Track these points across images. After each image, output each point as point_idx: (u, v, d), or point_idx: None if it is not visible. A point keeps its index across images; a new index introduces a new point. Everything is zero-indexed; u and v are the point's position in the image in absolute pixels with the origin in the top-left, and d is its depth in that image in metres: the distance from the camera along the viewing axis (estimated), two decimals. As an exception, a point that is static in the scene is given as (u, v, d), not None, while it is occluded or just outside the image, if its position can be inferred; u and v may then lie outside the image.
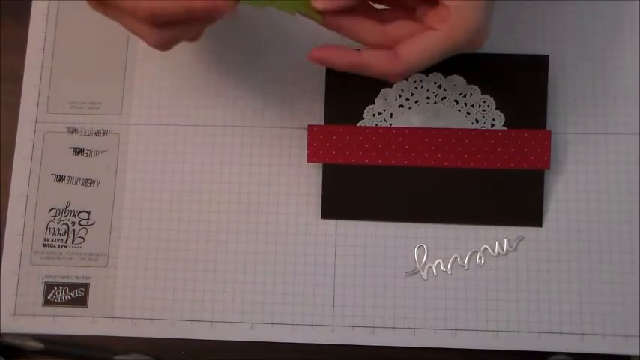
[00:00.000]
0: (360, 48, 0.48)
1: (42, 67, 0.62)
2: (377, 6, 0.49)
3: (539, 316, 0.56)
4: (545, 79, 0.58)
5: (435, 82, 0.59)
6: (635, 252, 0.57)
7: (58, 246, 0.59)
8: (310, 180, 0.59)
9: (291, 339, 0.57)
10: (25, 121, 0.61)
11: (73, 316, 0.58)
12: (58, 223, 0.59)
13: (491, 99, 0.58)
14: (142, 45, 0.62)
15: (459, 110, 0.58)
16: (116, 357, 0.57)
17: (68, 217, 0.59)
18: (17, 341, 0.57)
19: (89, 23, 0.62)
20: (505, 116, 0.58)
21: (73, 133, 0.61)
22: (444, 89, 0.58)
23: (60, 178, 0.60)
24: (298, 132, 0.60)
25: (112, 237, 0.59)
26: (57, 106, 0.61)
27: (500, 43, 0.60)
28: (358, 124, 0.58)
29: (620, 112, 0.59)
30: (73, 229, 0.59)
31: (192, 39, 0.49)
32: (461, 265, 0.57)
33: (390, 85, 0.59)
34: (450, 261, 0.58)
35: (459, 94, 0.58)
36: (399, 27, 0.48)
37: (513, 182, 0.57)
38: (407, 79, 0.59)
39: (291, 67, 0.61)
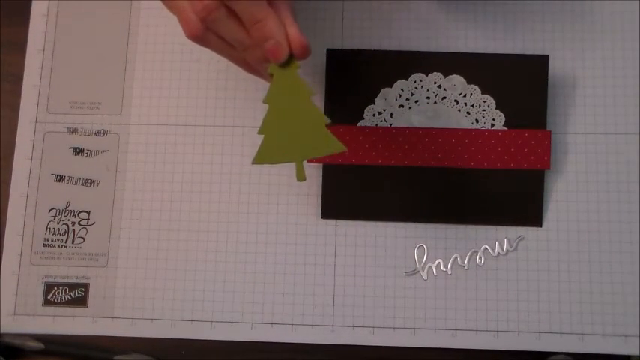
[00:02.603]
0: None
1: (42, 67, 0.62)
2: None
3: (539, 316, 0.56)
4: (545, 79, 0.58)
5: (435, 82, 0.59)
6: (635, 252, 0.57)
7: (58, 246, 0.59)
8: (310, 180, 0.59)
9: (291, 339, 0.57)
10: (25, 121, 0.61)
11: (73, 316, 0.58)
12: (58, 223, 0.59)
13: (491, 99, 0.58)
14: (141, 45, 0.62)
15: (459, 110, 0.58)
16: (116, 357, 0.57)
17: (68, 217, 0.59)
18: (17, 341, 0.57)
19: (89, 23, 0.62)
20: (505, 116, 0.58)
21: (73, 133, 0.61)
22: (444, 89, 0.58)
23: (60, 178, 0.60)
24: (298, 132, 0.60)
25: (112, 237, 0.59)
26: (57, 106, 0.61)
27: (500, 43, 0.60)
28: (358, 124, 0.58)
29: (620, 112, 0.59)
30: (73, 229, 0.59)
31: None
32: (461, 265, 0.57)
33: (390, 85, 0.59)
34: (450, 261, 0.58)
35: (459, 94, 0.58)
36: None
37: (513, 182, 0.57)
38: (407, 79, 0.59)
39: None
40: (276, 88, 0.48)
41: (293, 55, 0.47)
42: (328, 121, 0.47)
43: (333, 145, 0.47)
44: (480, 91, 0.58)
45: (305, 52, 0.47)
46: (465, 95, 0.58)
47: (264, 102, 0.48)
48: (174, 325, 0.58)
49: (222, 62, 0.61)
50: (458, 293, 0.57)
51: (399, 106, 0.59)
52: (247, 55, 0.48)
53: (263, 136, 0.48)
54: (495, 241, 0.58)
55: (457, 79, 0.58)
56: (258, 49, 0.47)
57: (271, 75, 0.48)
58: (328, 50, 0.59)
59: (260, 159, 0.48)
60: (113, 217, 0.59)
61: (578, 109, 0.59)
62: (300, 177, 0.47)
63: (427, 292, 0.57)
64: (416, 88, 0.59)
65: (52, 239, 0.59)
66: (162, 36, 0.62)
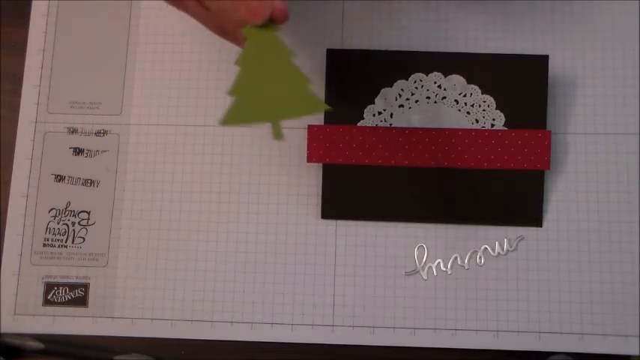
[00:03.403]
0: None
1: (42, 67, 0.62)
2: None
3: (539, 316, 0.56)
4: (545, 79, 0.58)
5: (435, 82, 0.58)
6: (635, 252, 0.57)
7: (58, 246, 0.59)
8: (310, 180, 0.59)
9: (291, 339, 0.57)
10: (25, 121, 0.61)
11: (73, 316, 0.58)
12: (58, 223, 0.59)
13: (491, 99, 0.58)
14: (141, 45, 0.62)
15: (459, 110, 0.58)
16: (116, 357, 0.57)
17: (68, 217, 0.59)
18: (17, 341, 0.57)
19: (89, 23, 0.62)
20: (505, 116, 0.58)
21: (73, 133, 0.61)
22: (444, 89, 0.58)
23: (60, 178, 0.60)
24: (298, 132, 0.60)
25: (112, 237, 0.59)
26: (57, 106, 0.61)
27: (500, 43, 0.60)
28: (358, 124, 0.58)
29: (620, 112, 0.59)
30: (73, 229, 0.59)
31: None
32: (461, 265, 0.57)
33: (390, 85, 0.59)
34: (450, 261, 0.58)
35: (459, 94, 0.58)
36: None
37: (513, 182, 0.57)
38: (407, 79, 0.59)
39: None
40: (250, 51, 0.47)
41: (271, 19, 0.47)
42: (309, 82, 0.46)
43: (316, 104, 0.46)
44: (480, 91, 0.58)
45: (285, 17, 0.48)
46: (465, 95, 0.58)
47: (236, 64, 0.47)
48: (174, 325, 0.58)
49: (223, 62, 0.61)
50: (458, 293, 0.57)
51: (399, 106, 0.59)
52: (224, 18, 0.48)
53: (233, 97, 0.46)
54: (495, 241, 0.58)
55: (457, 79, 0.58)
56: (235, 13, 0.47)
57: (245, 39, 0.48)
58: (328, 50, 0.59)
59: (230, 119, 0.46)
60: (113, 217, 0.59)
61: (578, 109, 0.59)
62: (277, 135, 0.45)
63: (427, 292, 0.57)
64: (416, 88, 0.59)
65: (52, 239, 0.59)
66: (162, 36, 0.62)
